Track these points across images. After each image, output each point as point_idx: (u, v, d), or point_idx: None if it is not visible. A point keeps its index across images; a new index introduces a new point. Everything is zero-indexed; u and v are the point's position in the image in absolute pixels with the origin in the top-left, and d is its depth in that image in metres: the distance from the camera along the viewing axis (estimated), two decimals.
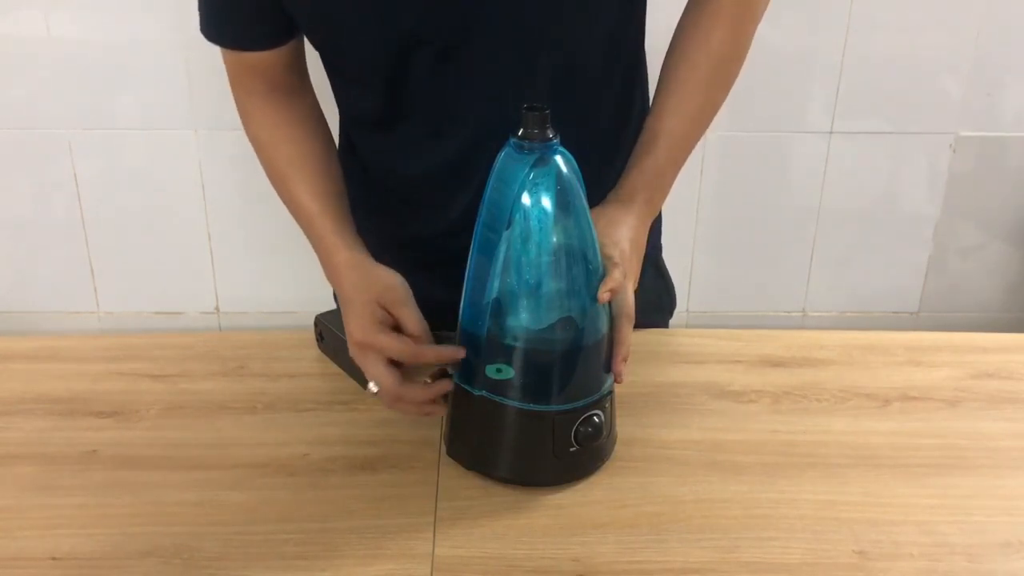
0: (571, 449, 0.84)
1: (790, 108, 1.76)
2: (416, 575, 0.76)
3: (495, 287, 0.80)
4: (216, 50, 0.96)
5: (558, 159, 0.79)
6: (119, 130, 1.73)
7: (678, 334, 1.13)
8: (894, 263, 1.92)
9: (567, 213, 0.80)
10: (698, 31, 0.94)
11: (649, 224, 0.95)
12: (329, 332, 1.04)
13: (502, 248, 0.79)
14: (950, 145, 1.81)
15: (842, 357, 1.07)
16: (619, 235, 0.88)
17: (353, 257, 0.91)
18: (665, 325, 1.17)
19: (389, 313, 0.86)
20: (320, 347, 1.07)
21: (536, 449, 0.84)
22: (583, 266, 0.81)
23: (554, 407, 0.82)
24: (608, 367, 0.84)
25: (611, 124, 0.99)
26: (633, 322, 0.85)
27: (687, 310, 1.90)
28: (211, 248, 1.84)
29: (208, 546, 0.79)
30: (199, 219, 1.81)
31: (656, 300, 1.15)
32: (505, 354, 0.81)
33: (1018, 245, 1.92)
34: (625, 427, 0.92)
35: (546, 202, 0.79)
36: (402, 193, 1.02)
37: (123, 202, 1.79)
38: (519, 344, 0.81)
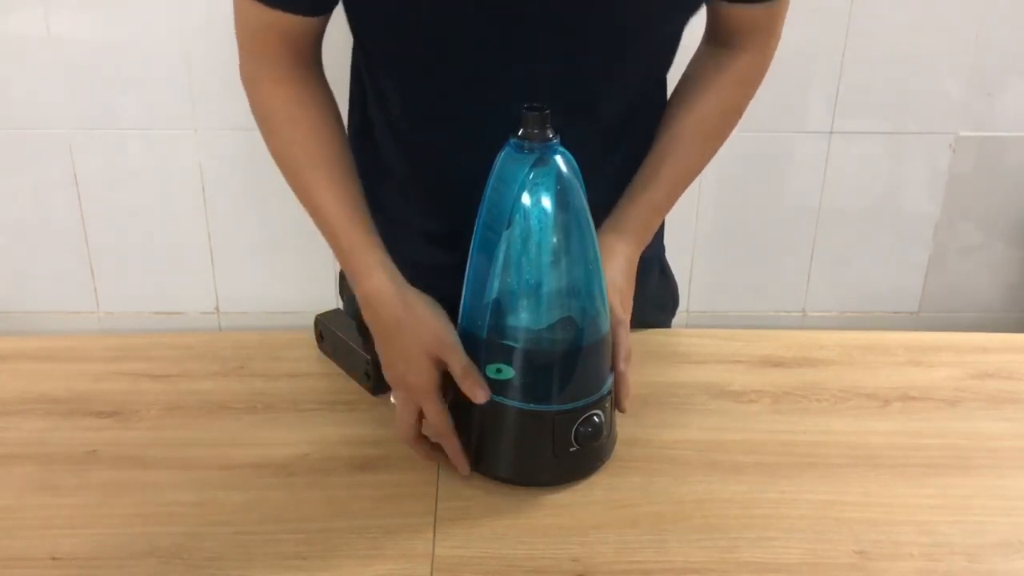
0: (571, 449, 0.84)
1: (790, 108, 1.76)
2: (416, 575, 0.76)
3: (495, 287, 0.80)
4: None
5: (558, 159, 0.79)
6: (119, 130, 1.73)
7: (678, 334, 1.13)
8: (894, 263, 1.92)
9: (567, 213, 0.80)
10: (710, 85, 0.97)
11: (639, 255, 0.97)
12: (329, 332, 1.04)
13: (502, 248, 0.79)
14: (950, 145, 1.81)
15: (842, 357, 1.07)
16: (615, 267, 0.91)
17: (391, 283, 0.87)
18: (668, 324, 1.18)
19: (437, 359, 0.85)
20: (320, 347, 1.07)
21: (536, 449, 0.84)
22: (583, 266, 0.81)
23: (554, 407, 0.82)
24: (610, 367, 0.85)
25: (617, 121, 0.99)
26: (630, 359, 0.88)
27: (687, 310, 1.90)
28: (211, 248, 1.84)
29: (208, 546, 0.79)
30: (199, 219, 1.81)
31: (660, 300, 1.15)
32: (505, 354, 0.81)
33: (1018, 245, 1.92)
34: (625, 427, 0.92)
35: (546, 202, 0.79)
36: (411, 191, 1.01)
37: (123, 202, 1.79)
38: (519, 344, 0.81)
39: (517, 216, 0.78)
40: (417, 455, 0.88)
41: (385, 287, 0.87)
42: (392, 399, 0.89)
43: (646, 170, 0.97)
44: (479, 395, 0.83)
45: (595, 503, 0.84)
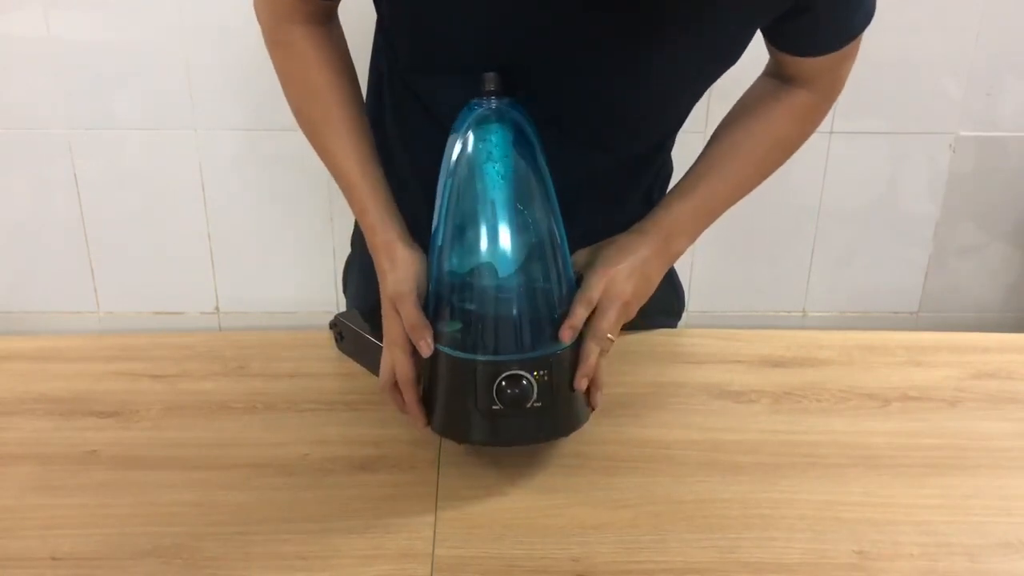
0: (494, 407, 0.82)
1: None
2: (416, 575, 0.76)
3: (438, 233, 0.83)
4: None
5: (510, 116, 0.81)
6: (119, 130, 1.73)
7: (678, 334, 1.13)
8: (894, 263, 1.92)
9: (502, 164, 0.81)
10: (767, 114, 0.95)
11: (666, 263, 0.94)
12: (350, 331, 1.03)
13: (444, 192, 0.82)
14: (950, 145, 1.81)
15: (842, 357, 1.07)
16: (622, 263, 0.88)
17: (388, 238, 0.88)
18: (673, 327, 1.17)
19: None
20: (340, 348, 1.06)
21: (463, 402, 0.84)
22: (514, 217, 0.81)
23: (476, 357, 0.82)
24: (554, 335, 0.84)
25: (634, 159, 1.00)
26: (602, 346, 0.86)
27: (687, 310, 1.89)
28: (211, 248, 1.84)
29: (208, 546, 0.79)
30: (199, 219, 1.81)
31: (666, 304, 1.15)
32: (446, 301, 0.83)
33: (1018, 245, 1.92)
34: (625, 427, 0.92)
35: (480, 151, 0.81)
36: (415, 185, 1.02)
37: (123, 202, 1.79)
38: (450, 289, 0.83)
39: (456, 162, 0.81)
40: (393, 404, 0.89)
41: (384, 242, 0.88)
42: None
43: (685, 182, 0.95)
44: (422, 347, 0.83)
45: (595, 503, 0.84)
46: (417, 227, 0.91)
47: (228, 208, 1.80)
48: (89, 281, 1.87)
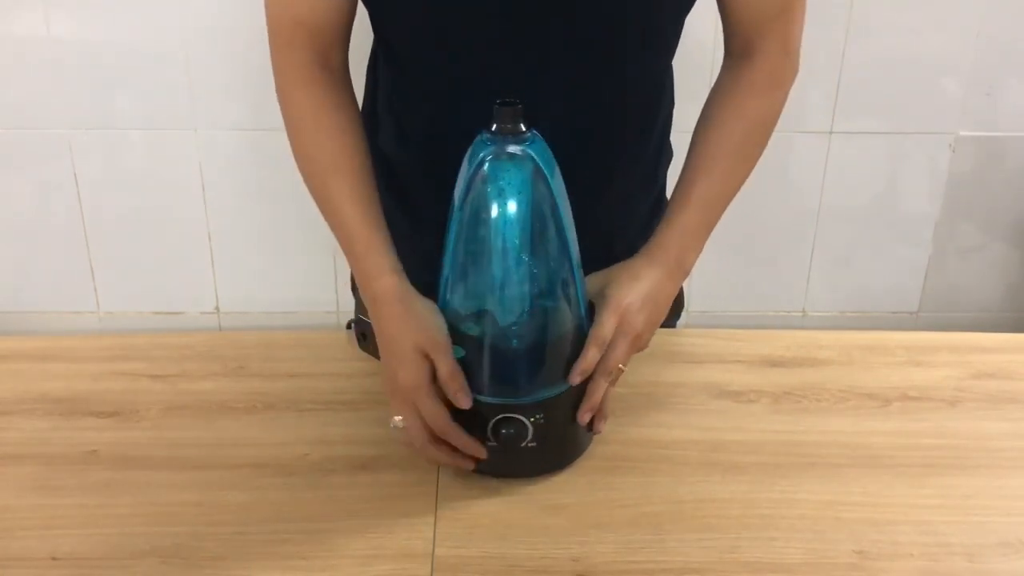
0: (489, 443, 0.83)
1: (790, 108, 1.75)
2: (416, 575, 0.76)
3: (446, 264, 0.82)
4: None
5: (526, 152, 0.79)
6: (119, 130, 1.73)
7: (678, 334, 1.13)
8: (894, 263, 1.92)
9: (512, 207, 0.79)
10: (732, 99, 0.96)
11: (678, 282, 0.94)
12: (372, 331, 1.02)
13: (452, 228, 0.81)
14: (950, 145, 1.81)
15: (842, 357, 1.07)
16: (632, 291, 0.88)
17: (399, 284, 0.87)
18: (673, 327, 1.17)
19: (427, 357, 0.84)
20: (362, 347, 1.05)
21: (465, 430, 0.84)
22: (519, 264, 0.80)
23: (476, 395, 0.83)
24: (565, 376, 0.84)
25: (625, 117, 1.00)
26: (611, 379, 0.86)
27: (687, 310, 1.90)
28: (211, 248, 1.84)
29: (208, 546, 0.79)
30: (199, 219, 1.81)
31: None
32: (452, 333, 0.83)
33: (1018, 245, 1.92)
34: (625, 427, 0.92)
35: (489, 193, 0.79)
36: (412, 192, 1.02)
37: (123, 202, 1.79)
38: (454, 326, 0.83)
39: (465, 200, 0.79)
40: (438, 460, 0.86)
41: (392, 287, 0.87)
42: (394, 423, 0.86)
43: (678, 193, 0.95)
44: (462, 400, 0.82)
45: (595, 503, 0.84)
46: (420, 226, 0.90)
47: (228, 208, 1.80)
48: (89, 281, 1.86)
